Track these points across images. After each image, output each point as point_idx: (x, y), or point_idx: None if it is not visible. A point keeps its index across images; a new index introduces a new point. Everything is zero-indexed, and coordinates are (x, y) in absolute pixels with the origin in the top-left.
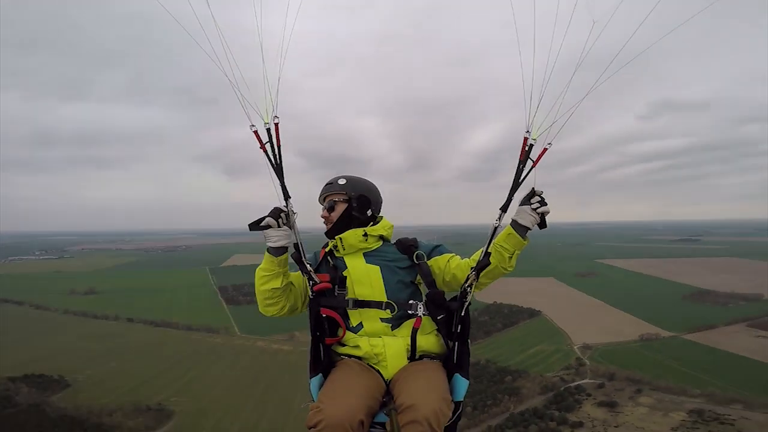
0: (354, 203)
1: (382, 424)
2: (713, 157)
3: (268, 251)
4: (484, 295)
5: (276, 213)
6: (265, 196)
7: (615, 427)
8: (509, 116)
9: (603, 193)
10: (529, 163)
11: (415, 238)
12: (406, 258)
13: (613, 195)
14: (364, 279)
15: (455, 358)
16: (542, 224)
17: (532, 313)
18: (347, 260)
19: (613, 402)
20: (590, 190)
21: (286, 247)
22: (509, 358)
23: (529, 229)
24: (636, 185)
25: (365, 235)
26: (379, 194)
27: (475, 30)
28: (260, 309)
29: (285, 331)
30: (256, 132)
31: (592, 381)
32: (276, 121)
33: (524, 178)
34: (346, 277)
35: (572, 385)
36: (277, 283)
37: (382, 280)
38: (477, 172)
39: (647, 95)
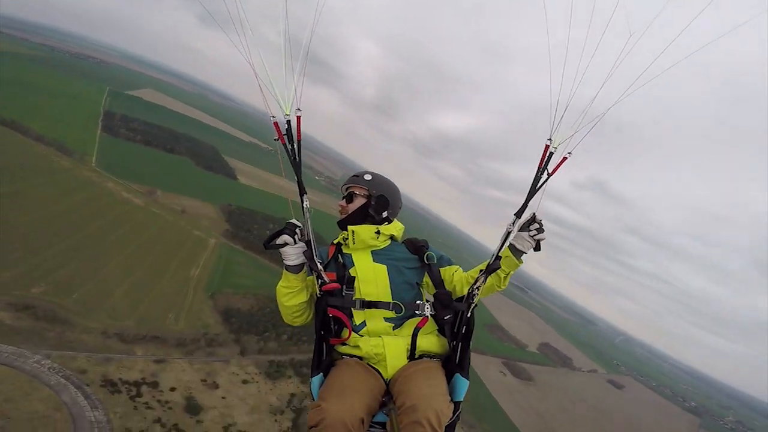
0: (373, 201)
1: (381, 424)
2: (588, 244)
3: (287, 269)
4: None
5: (291, 230)
6: (227, 54)
7: None
8: (485, 117)
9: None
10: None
11: (426, 240)
12: (416, 258)
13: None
14: (370, 277)
15: (457, 358)
16: (537, 248)
17: None
18: (355, 257)
19: None
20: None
21: (305, 262)
22: None
23: (525, 252)
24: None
25: (378, 232)
26: (400, 199)
27: (514, 33)
28: (286, 321)
29: (148, 184)
30: (276, 123)
31: None
32: (298, 113)
33: (541, 185)
34: (354, 277)
35: None
36: (302, 297)
37: (388, 279)
38: (425, 147)
39: (592, 170)
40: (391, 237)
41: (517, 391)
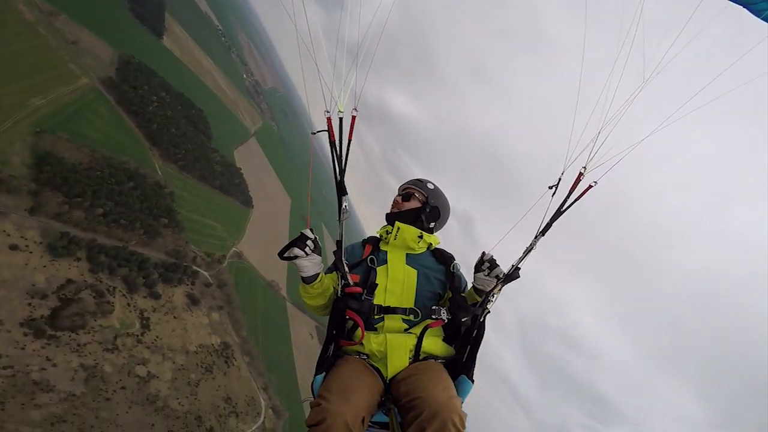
0: (428, 209)
1: (380, 424)
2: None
3: (301, 279)
4: None
5: (302, 242)
6: None
7: (174, 317)
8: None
9: None
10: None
11: (452, 254)
12: (443, 270)
13: None
14: (399, 278)
15: (465, 359)
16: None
17: (246, 202)
18: (390, 255)
19: (197, 300)
20: None
21: (319, 273)
22: (189, 206)
23: (492, 290)
24: None
25: (420, 237)
26: (448, 217)
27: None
28: (312, 312)
29: (57, 5)
30: (329, 118)
31: (208, 277)
32: (354, 113)
33: (567, 209)
34: (377, 285)
35: (193, 268)
36: (322, 300)
37: (416, 284)
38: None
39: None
40: (428, 246)
41: (317, 356)
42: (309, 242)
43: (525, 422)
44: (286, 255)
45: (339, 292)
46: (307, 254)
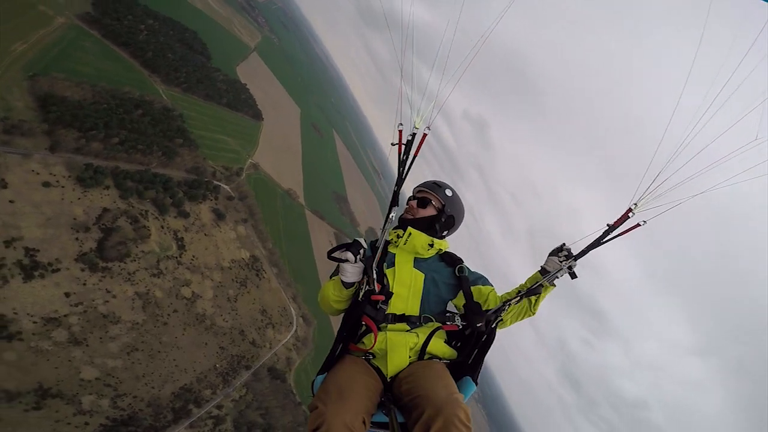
0: (443, 218)
1: (380, 424)
2: (443, 162)
3: (342, 284)
4: None
5: (357, 249)
6: None
7: (204, 234)
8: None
9: None
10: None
11: (461, 258)
12: (452, 273)
13: None
14: (406, 281)
15: (471, 361)
16: (572, 275)
17: (257, 115)
18: (398, 258)
19: (223, 215)
20: None
21: (358, 281)
22: (199, 125)
23: (557, 276)
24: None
25: (431, 245)
26: (461, 224)
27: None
28: (322, 309)
29: None
30: (401, 131)
31: (229, 191)
32: (426, 131)
33: (606, 242)
34: (392, 293)
35: (215, 182)
36: (345, 305)
37: (422, 289)
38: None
39: (486, 110)
40: (438, 251)
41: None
42: (361, 251)
43: (529, 331)
44: (336, 256)
45: (361, 297)
46: (356, 261)
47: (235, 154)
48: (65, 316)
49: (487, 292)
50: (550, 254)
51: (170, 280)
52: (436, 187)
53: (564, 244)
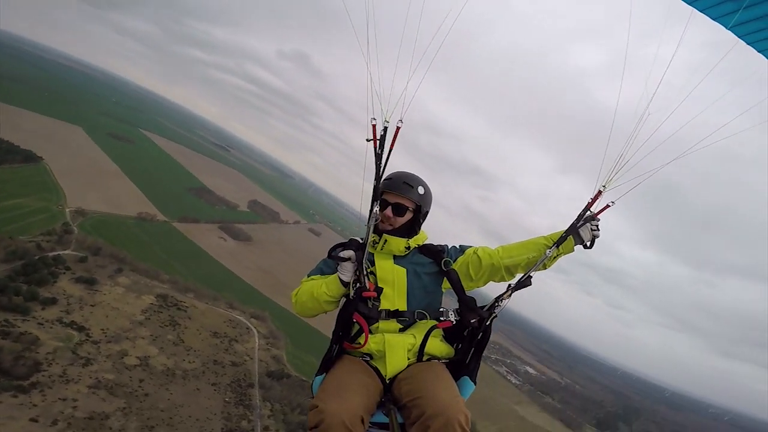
0: (421, 219)
1: (380, 425)
2: (284, 106)
3: (341, 282)
4: None
5: (356, 247)
6: None
7: (91, 306)
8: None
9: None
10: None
11: (444, 245)
12: (433, 263)
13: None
14: (389, 279)
15: (468, 361)
16: (590, 245)
17: (29, 158)
18: (377, 256)
19: (92, 279)
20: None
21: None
22: None
23: (583, 242)
24: (230, 95)
25: (407, 247)
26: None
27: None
28: (298, 312)
29: None
30: (374, 125)
31: (74, 253)
32: (399, 125)
33: (582, 224)
34: (383, 288)
35: (50, 255)
36: (335, 306)
37: (406, 284)
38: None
39: (299, 44)
40: (417, 246)
41: (239, 253)
42: (359, 251)
43: (439, 212)
44: (340, 254)
45: (352, 295)
46: (354, 261)
47: (44, 213)
48: None
49: (467, 256)
50: (585, 221)
51: (104, 359)
52: (409, 188)
53: (597, 216)
